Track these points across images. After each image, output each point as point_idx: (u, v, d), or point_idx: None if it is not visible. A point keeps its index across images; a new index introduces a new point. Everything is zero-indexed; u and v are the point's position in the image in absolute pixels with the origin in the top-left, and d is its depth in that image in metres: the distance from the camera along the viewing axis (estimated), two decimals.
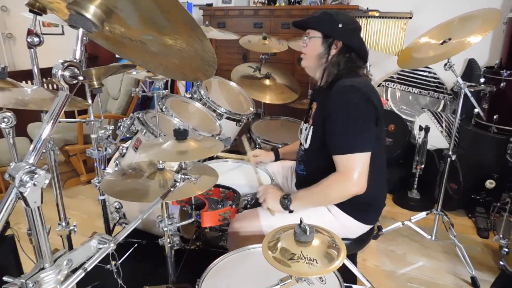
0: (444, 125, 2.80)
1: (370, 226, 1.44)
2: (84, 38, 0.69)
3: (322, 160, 1.32)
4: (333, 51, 1.35)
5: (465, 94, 1.80)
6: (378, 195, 1.42)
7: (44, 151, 1.25)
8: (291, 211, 1.32)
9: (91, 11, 0.66)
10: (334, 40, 1.35)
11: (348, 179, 1.22)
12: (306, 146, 1.41)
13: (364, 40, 2.51)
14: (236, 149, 2.38)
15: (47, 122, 0.64)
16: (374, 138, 1.25)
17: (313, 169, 1.43)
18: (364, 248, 1.54)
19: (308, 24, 1.40)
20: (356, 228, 1.39)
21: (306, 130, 1.43)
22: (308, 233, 0.86)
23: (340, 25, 1.33)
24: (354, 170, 1.21)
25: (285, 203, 1.31)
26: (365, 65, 1.40)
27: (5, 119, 1.01)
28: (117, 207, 1.75)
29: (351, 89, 1.25)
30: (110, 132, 1.65)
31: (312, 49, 1.39)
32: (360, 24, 2.48)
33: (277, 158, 1.81)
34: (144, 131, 1.79)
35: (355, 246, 1.44)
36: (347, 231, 1.39)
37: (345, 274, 1.08)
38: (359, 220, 1.36)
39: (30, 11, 1.27)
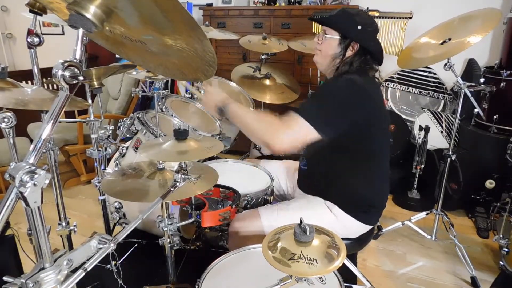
0: (444, 125, 2.80)
1: (371, 226, 1.44)
2: (84, 38, 0.69)
3: (323, 154, 1.32)
4: (349, 53, 1.34)
5: (465, 94, 1.81)
6: (380, 196, 1.42)
7: (44, 151, 1.25)
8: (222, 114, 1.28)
9: (91, 11, 0.66)
10: (351, 42, 1.32)
11: (281, 132, 1.17)
12: None
13: None
14: (236, 149, 2.38)
15: (47, 122, 0.64)
16: (336, 128, 1.21)
17: (314, 163, 1.43)
18: (364, 248, 1.54)
19: (327, 22, 1.36)
20: (357, 228, 1.39)
21: None
22: (308, 233, 0.86)
23: (359, 27, 1.29)
24: (291, 129, 1.17)
25: (220, 107, 1.28)
26: (378, 67, 1.38)
27: (5, 119, 1.01)
28: (117, 207, 1.75)
29: (347, 79, 1.26)
30: (110, 132, 1.65)
31: (327, 48, 1.36)
32: None
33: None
34: (144, 131, 1.79)
35: (355, 246, 1.44)
36: (348, 231, 1.39)
37: (345, 274, 1.08)
38: (360, 221, 1.36)
39: (30, 11, 1.27)
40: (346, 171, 1.36)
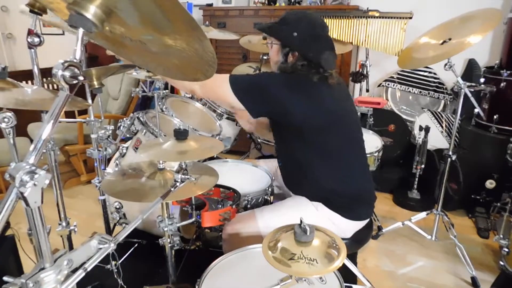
0: (444, 125, 2.80)
1: (362, 223, 1.43)
2: (84, 38, 0.69)
3: (290, 150, 1.38)
4: (290, 59, 1.35)
5: (465, 94, 1.80)
6: (361, 190, 1.43)
7: (44, 151, 1.25)
8: None
9: (91, 11, 0.66)
10: (289, 50, 1.34)
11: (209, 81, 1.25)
12: (273, 140, 1.49)
13: (364, 40, 2.52)
14: (236, 149, 2.38)
15: (47, 122, 0.64)
16: (254, 107, 1.29)
17: (285, 159, 1.49)
18: (364, 248, 1.54)
19: (268, 31, 1.42)
20: (346, 225, 1.39)
21: None
22: (308, 233, 0.86)
23: (295, 34, 1.29)
24: (213, 77, 1.22)
25: None
26: (327, 72, 1.32)
27: (5, 119, 1.01)
28: (117, 207, 1.75)
29: (289, 74, 1.31)
30: (110, 132, 1.65)
31: (273, 55, 1.42)
32: (360, 24, 2.50)
33: None
34: (144, 131, 1.79)
35: (352, 245, 1.44)
36: (340, 230, 1.39)
37: (345, 274, 1.08)
38: (347, 217, 1.37)
39: (30, 11, 1.27)
40: (312, 166, 1.38)
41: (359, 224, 1.42)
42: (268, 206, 1.48)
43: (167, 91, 2.06)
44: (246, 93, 1.28)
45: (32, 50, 1.33)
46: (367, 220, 1.46)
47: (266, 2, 3.21)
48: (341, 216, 1.36)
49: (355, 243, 1.44)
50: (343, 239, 1.40)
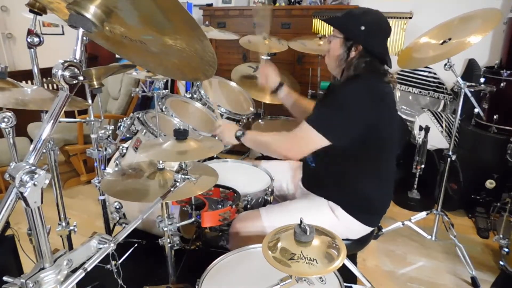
0: (444, 125, 2.80)
1: (372, 228, 1.44)
2: (84, 38, 0.69)
3: (334, 154, 1.31)
4: (353, 54, 1.31)
5: (465, 94, 1.81)
6: (384, 198, 1.42)
7: (44, 151, 1.25)
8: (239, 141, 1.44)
9: (91, 11, 0.66)
10: (353, 43, 1.30)
11: (296, 144, 1.28)
12: None
13: None
14: (236, 149, 2.38)
15: (47, 122, 0.64)
16: (348, 135, 1.24)
17: (324, 162, 1.41)
18: (364, 248, 1.54)
19: (332, 23, 1.38)
20: (358, 229, 1.39)
21: None
22: (308, 233, 0.86)
23: (362, 28, 1.26)
24: (303, 140, 1.25)
25: (239, 134, 1.43)
26: (387, 71, 1.33)
27: (5, 119, 1.00)
28: (117, 207, 1.75)
29: (358, 83, 1.25)
30: (110, 132, 1.65)
31: (333, 48, 1.36)
32: None
33: (280, 86, 1.79)
34: (144, 131, 1.79)
35: (355, 246, 1.44)
36: (349, 232, 1.39)
37: (345, 274, 1.08)
38: (362, 222, 1.36)
39: (30, 11, 1.27)
40: (356, 173, 1.35)
41: (368, 229, 1.42)
42: (281, 204, 1.47)
43: (167, 91, 2.06)
44: (340, 131, 1.23)
45: (32, 50, 1.33)
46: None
47: (266, 2, 3.21)
48: (356, 220, 1.35)
49: (358, 244, 1.44)
50: (348, 239, 1.40)
